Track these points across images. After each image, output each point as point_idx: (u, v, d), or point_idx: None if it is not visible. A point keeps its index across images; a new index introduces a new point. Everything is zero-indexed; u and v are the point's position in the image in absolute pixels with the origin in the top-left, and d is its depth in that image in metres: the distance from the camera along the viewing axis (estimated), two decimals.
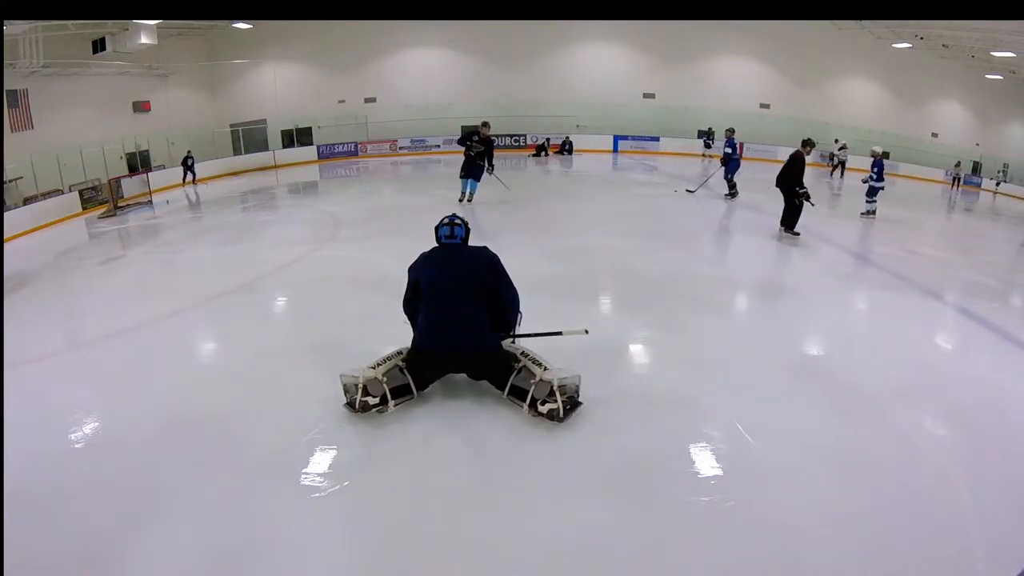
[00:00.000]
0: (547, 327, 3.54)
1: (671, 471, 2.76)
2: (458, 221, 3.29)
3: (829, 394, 3.48)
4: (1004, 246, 9.38)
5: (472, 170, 9.33)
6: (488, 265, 3.21)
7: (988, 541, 2.35)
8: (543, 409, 3.02)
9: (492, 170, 9.42)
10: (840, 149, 15.80)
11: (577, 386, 3.14)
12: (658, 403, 3.31)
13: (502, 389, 3.19)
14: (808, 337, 4.55)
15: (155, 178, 13.12)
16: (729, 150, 10.36)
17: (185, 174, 14.45)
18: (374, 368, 3.14)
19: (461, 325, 3.08)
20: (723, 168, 10.59)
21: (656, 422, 3.14)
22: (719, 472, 2.74)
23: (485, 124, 9.40)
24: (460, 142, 9.57)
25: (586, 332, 3.46)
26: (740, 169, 10.70)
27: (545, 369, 3.09)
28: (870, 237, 8.41)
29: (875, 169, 9.46)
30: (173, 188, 14.08)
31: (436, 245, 3.31)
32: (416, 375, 3.20)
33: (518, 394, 3.14)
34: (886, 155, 14.17)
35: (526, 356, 3.21)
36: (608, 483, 2.66)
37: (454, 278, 3.13)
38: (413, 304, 3.25)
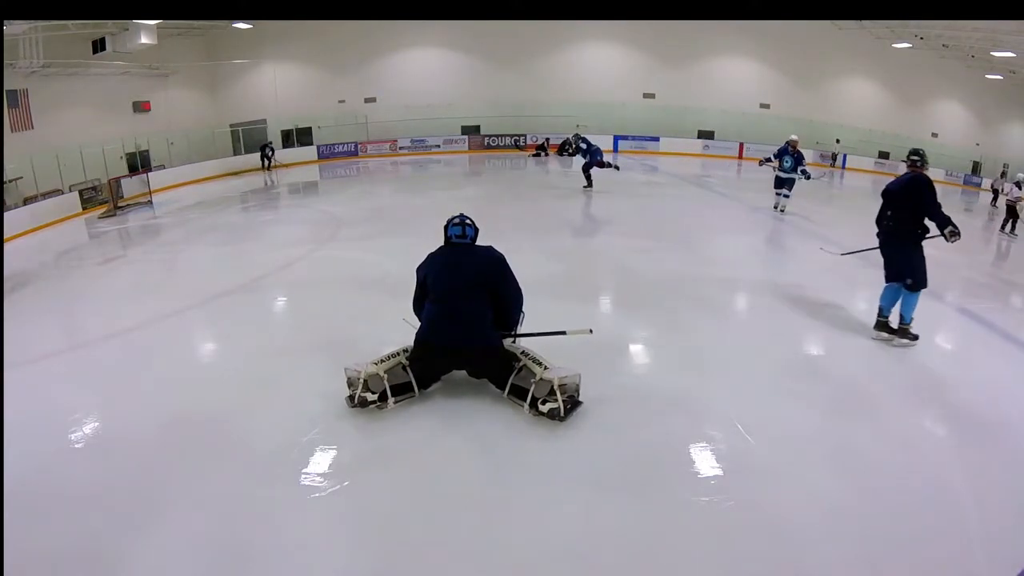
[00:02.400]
0: (548, 327, 3.53)
1: (671, 471, 2.76)
2: (468, 221, 3.32)
3: (829, 394, 3.49)
4: (1002, 246, 9.37)
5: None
6: (493, 263, 3.23)
7: (988, 541, 2.35)
8: (544, 408, 3.02)
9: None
10: (1002, 176, 13.04)
11: (577, 385, 3.14)
12: (658, 403, 3.31)
13: (502, 388, 3.19)
14: (808, 337, 4.55)
15: (155, 178, 13.12)
16: (584, 146, 10.68)
17: (263, 160, 16.17)
18: (377, 364, 3.15)
19: (463, 322, 3.09)
20: (584, 162, 10.81)
21: (656, 422, 3.14)
22: (719, 472, 2.74)
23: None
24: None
25: (591, 332, 3.46)
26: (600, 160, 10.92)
27: (545, 368, 3.10)
28: (869, 237, 8.40)
29: (796, 161, 9.02)
30: (253, 172, 16.05)
31: (443, 244, 3.32)
32: (419, 372, 3.21)
33: (518, 393, 3.14)
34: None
35: (526, 355, 3.22)
36: (608, 483, 2.66)
37: (459, 276, 3.15)
38: (422, 303, 3.28)
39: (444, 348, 3.16)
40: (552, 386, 3.02)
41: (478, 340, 3.13)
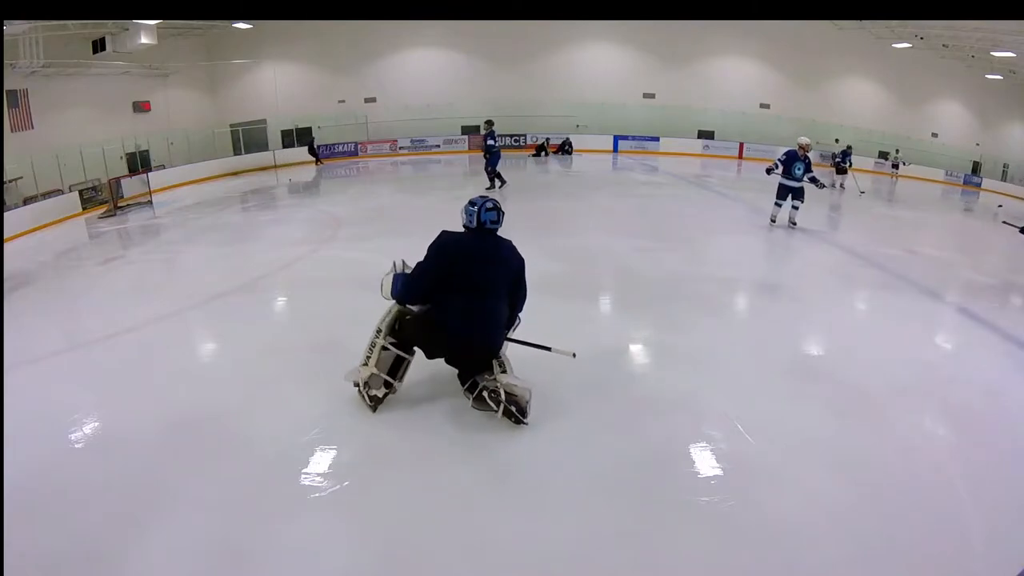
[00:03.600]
0: (547, 327, 3.53)
1: (671, 471, 2.76)
2: (500, 206, 3.09)
3: (829, 394, 3.48)
4: (1002, 246, 9.36)
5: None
6: (520, 265, 3.16)
7: (988, 540, 2.35)
8: (484, 394, 3.03)
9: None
10: None
11: (527, 400, 3.02)
12: (658, 403, 3.31)
13: (464, 382, 3.16)
14: (808, 337, 4.55)
15: (155, 178, 13.12)
16: (491, 142, 10.58)
17: (313, 155, 17.16)
18: (366, 364, 3.13)
19: (494, 321, 3.03)
20: (486, 161, 10.81)
21: (656, 422, 3.14)
22: (719, 472, 2.74)
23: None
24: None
25: (574, 355, 3.19)
26: (501, 160, 11.00)
27: (503, 372, 3.05)
28: (870, 237, 8.41)
29: (807, 168, 7.93)
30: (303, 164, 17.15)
31: (473, 228, 3.04)
32: (416, 341, 3.12)
33: (472, 388, 3.12)
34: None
35: (496, 358, 3.14)
36: (608, 483, 2.66)
37: (495, 272, 3.00)
38: (429, 287, 3.01)
39: (468, 341, 3.00)
40: (497, 387, 2.99)
41: (496, 340, 3.08)
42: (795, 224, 8.06)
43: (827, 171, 13.72)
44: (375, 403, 3.18)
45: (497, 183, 10.85)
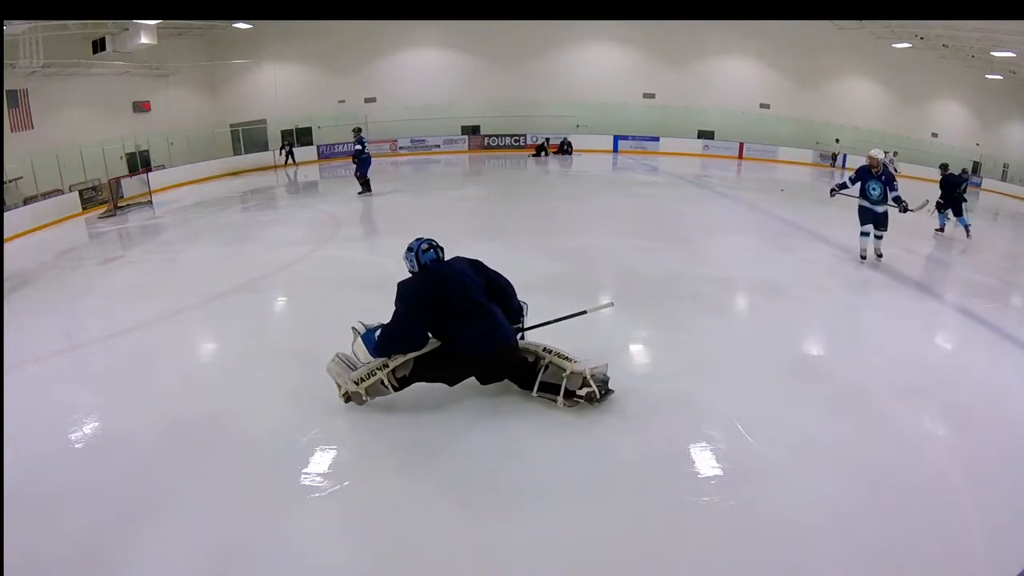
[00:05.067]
0: (548, 325, 3.54)
1: (671, 471, 2.76)
2: (436, 243, 3.20)
3: (829, 394, 3.48)
4: (1003, 245, 9.36)
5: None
6: (475, 263, 3.25)
7: (988, 541, 2.35)
8: (581, 392, 3.10)
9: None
10: None
11: (606, 374, 3.21)
12: (658, 403, 3.31)
13: (528, 387, 3.21)
14: (808, 337, 4.55)
15: (155, 178, 13.12)
16: (359, 147, 10.76)
17: (286, 158, 16.99)
18: (357, 383, 3.12)
19: (499, 322, 3.10)
20: (355, 166, 10.95)
21: (656, 422, 3.14)
22: (719, 472, 2.74)
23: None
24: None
25: (612, 304, 3.59)
26: (372, 166, 11.16)
27: (575, 362, 3.15)
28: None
29: (885, 186, 6.28)
30: (268, 169, 17.02)
31: (417, 272, 3.15)
32: (433, 379, 3.16)
33: (549, 390, 3.18)
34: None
35: (550, 352, 3.22)
36: (608, 483, 2.66)
37: (469, 283, 3.09)
38: (421, 330, 3.06)
39: (499, 351, 3.09)
40: (584, 376, 3.10)
41: (511, 336, 3.16)
42: (880, 256, 6.49)
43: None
44: (347, 400, 3.22)
45: (365, 189, 10.94)
